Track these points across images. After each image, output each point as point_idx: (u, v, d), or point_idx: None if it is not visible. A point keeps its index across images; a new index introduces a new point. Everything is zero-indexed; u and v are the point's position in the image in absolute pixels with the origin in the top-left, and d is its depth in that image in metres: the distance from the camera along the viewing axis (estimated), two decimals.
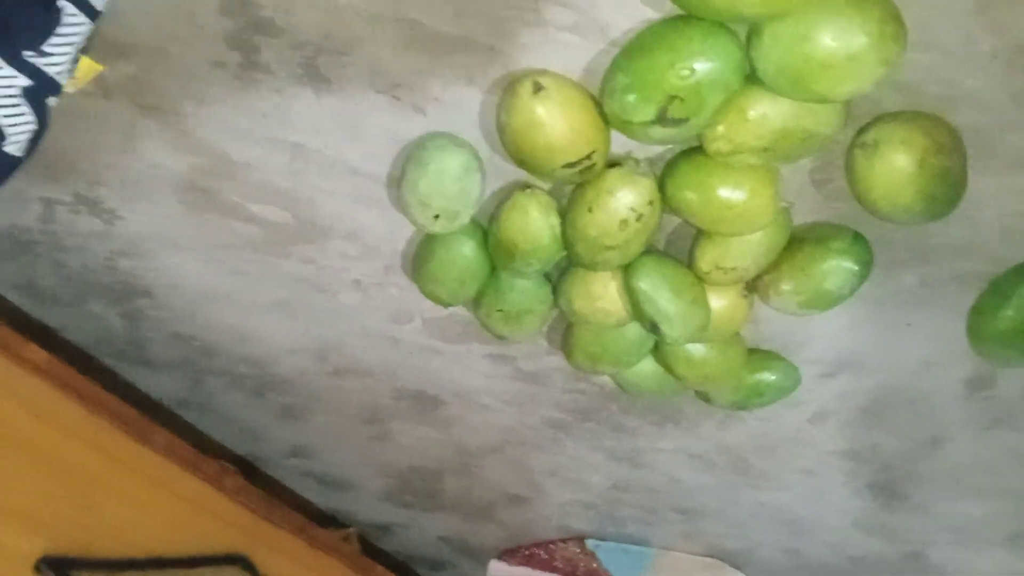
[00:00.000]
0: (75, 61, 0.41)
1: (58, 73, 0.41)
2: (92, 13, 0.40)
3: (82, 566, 0.74)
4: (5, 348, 0.69)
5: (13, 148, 0.40)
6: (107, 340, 0.80)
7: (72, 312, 0.77)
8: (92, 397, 0.75)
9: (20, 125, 0.40)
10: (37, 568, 0.70)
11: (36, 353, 0.71)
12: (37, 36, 0.38)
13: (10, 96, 0.39)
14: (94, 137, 0.57)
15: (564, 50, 0.51)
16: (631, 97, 0.48)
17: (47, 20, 0.38)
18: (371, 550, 1.14)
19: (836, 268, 0.57)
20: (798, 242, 0.58)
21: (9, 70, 0.38)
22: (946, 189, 0.49)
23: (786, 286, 0.59)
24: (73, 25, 0.40)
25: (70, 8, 0.39)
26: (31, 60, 0.39)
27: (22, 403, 0.70)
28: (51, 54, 0.40)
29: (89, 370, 0.77)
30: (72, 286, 0.73)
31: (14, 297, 0.76)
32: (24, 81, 0.39)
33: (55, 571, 0.71)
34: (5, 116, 0.40)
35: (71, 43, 0.40)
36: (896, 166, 0.49)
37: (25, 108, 0.40)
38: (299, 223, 0.63)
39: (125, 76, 0.53)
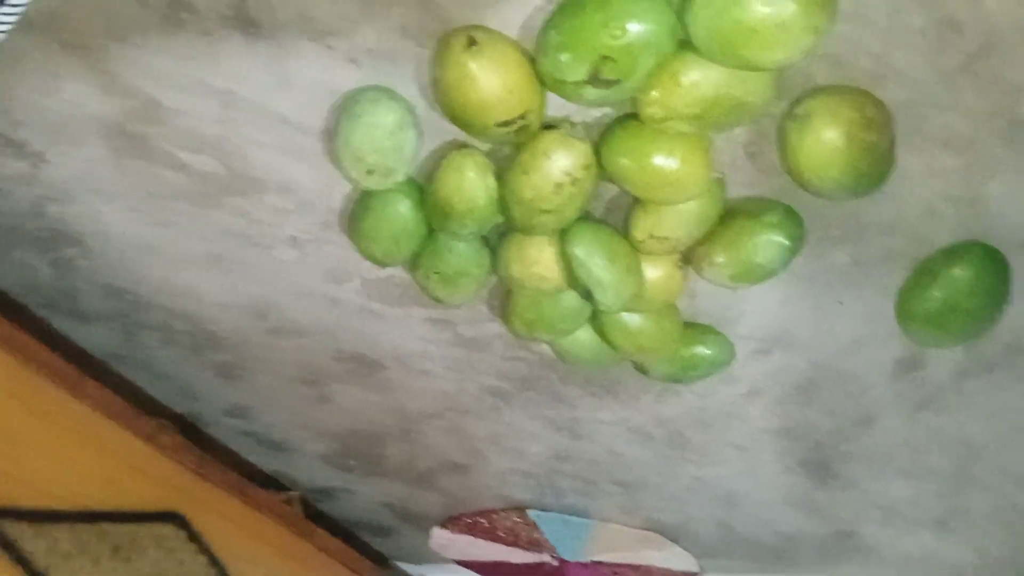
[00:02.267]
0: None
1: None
2: None
3: (8, 516, 0.73)
4: None
5: None
6: (36, 289, 0.78)
7: None
8: (18, 345, 0.74)
9: None
10: None
11: None
12: None
13: None
14: (14, 75, 0.55)
15: (503, 6, 0.50)
16: (564, 56, 0.48)
17: None
18: (313, 514, 1.14)
19: (767, 242, 0.57)
20: (731, 215, 0.58)
21: None
22: (874, 164, 0.49)
23: (719, 258, 0.59)
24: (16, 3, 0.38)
25: None
26: None
27: None
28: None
29: (18, 319, 0.75)
30: None
31: None
32: None
33: None
34: None
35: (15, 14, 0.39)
36: (825, 139, 0.49)
37: None
38: (230, 174, 0.62)
39: (45, 10, 0.51)
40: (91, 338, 0.85)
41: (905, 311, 0.61)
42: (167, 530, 0.89)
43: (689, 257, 0.62)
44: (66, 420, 0.78)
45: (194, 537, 0.91)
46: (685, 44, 0.47)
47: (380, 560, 1.25)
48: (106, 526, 0.82)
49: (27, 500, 0.74)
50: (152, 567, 0.86)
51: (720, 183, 0.57)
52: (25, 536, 0.74)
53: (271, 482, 1.10)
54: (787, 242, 0.57)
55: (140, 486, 0.86)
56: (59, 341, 0.84)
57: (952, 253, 0.57)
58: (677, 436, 0.86)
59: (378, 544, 1.25)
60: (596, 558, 1.15)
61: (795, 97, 0.50)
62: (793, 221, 0.57)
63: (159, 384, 0.92)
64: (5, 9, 0.36)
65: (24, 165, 0.63)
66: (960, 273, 0.57)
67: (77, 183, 0.65)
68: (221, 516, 0.94)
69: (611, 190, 0.61)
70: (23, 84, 0.56)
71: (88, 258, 0.73)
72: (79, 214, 0.68)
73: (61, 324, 0.83)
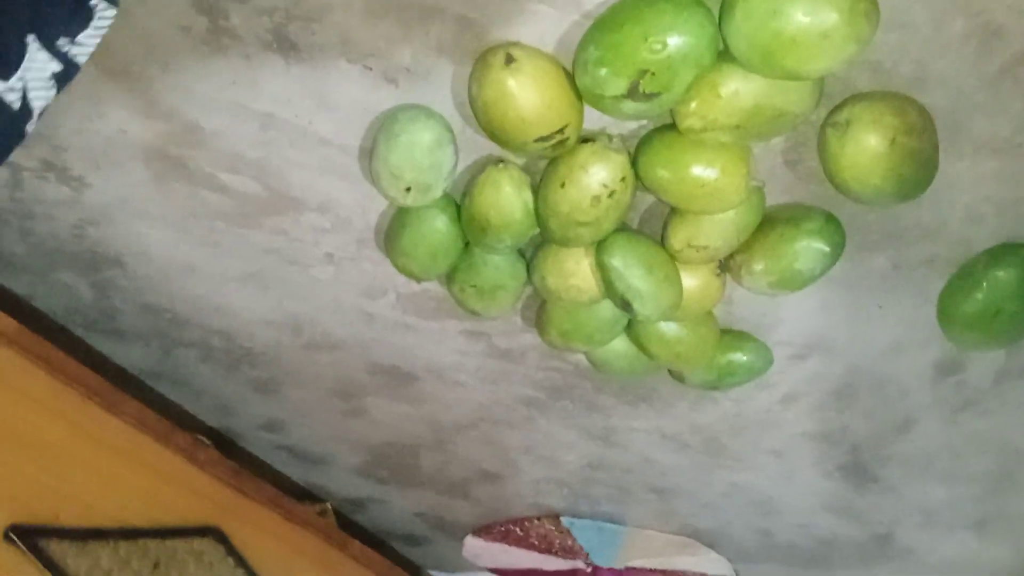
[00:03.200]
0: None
1: (84, 60, 0.42)
2: (116, 1, 0.41)
3: (52, 535, 0.74)
4: None
5: (31, 126, 0.41)
6: (77, 310, 0.79)
7: (41, 281, 0.76)
8: (62, 367, 0.75)
9: (43, 106, 0.42)
10: (6, 536, 0.70)
11: (5, 322, 0.71)
12: (72, 26, 0.40)
13: (43, 80, 0.41)
14: (59, 102, 0.56)
15: (538, 22, 0.50)
16: (603, 71, 0.48)
17: (81, 12, 0.39)
18: (347, 525, 1.15)
19: (807, 249, 0.57)
20: (770, 222, 0.58)
21: (45, 55, 0.40)
22: (916, 170, 0.49)
23: (758, 266, 0.59)
24: (103, 18, 0.41)
25: (102, 4, 0.40)
26: (64, 48, 0.40)
27: None
28: (82, 44, 0.41)
29: (59, 340, 0.76)
30: (41, 255, 0.72)
31: None
32: (56, 67, 0.40)
33: (23, 540, 0.71)
34: (36, 98, 0.41)
35: (100, 34, 0.41)
36: (867, 146, 0.48)
37: (53, 92, 0.41)
38: (270, 194, 0.62)
39: None
40: (130, 356, 0.86)
41: (946, 314, 0.61)
42: (205, 544, 0.90)
43: (727, 265, 0.62)
44: (106, 437, 0.79)
45: (232, 551, 0.91)
46: (724, 55, 0.47)
47: (413, 569, 1.25)
48: (146, 542, 0.83)
49: (69, 518, 0.75)
50: None
51: (759, 191, 0.57)
52: (68, 555, 0.75)
53: (305, 494, 1.11)
54: (827, 248, 0.57)
55: (179, 501, 0.87)
56: (99, 360, 0.85)
57: (995, 255, 0.57)
58: (713, 442, 0.85)
59: (411, 553, 1.25)
60: (630, 564, 1.15)
61: (835, 104, 0.50)
62: (833, 227, 0.57)
63: (196, 400, 0.93)
64: (94, 25, 0.38)
65: (66, 190, 0.64)
66: (1003, 275, 0.57)
67: (118, 206, 0.65)
68: (258, 529, 0.95)
69: (648, 199, 0.61)
70: (67, 111, 0.57)
71: (128, 278, 0.74)
72: (119, 236, 0.69)
73: (101, 343, 0.84)
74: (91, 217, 0.67)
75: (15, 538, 0.70)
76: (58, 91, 0.42)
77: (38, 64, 0.40)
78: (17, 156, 0.62)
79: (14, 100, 0.37)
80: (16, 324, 0.71)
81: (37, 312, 0.80)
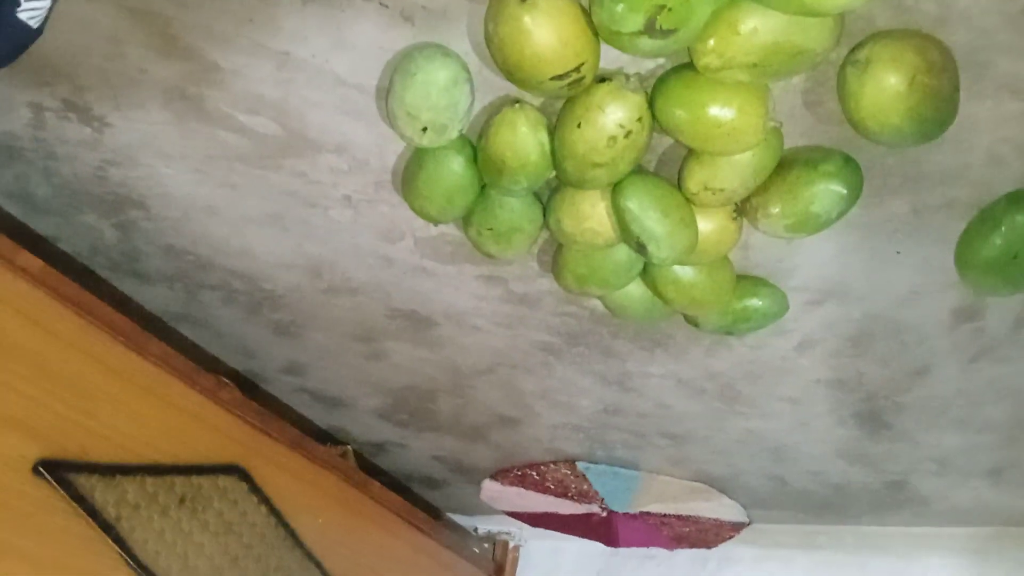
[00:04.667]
0: None
1: None
2: None
3: (79, 469, 0.76)
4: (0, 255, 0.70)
5: (29, 17, 0.39)
6: (101, 251, 0.81)
7: (66, 222, 0.77)
8: (88, 306, 0.76)
9: None
10: (35, 470, 0.72)
11: (30, 260, 0.72)
12: None
13: None
14: (79, 40, 0.57)
15: None
16: (620, 6, 0.47)
17: None
18: (367, 467, 1.17)
19: (824, 191, 0.57)
20: (787, 165, 0.58)
21: None
22: (936, 109, 0.49)
23: (774, 209, 0.59)
24: None
25: None
26: None
27: (16, 310, 0.71)
28: None
29: (84, 281, 0.77)
30: (64, 195, 0.73)
31: (7, 205, 0.76)
32: None
33: (52, 474, 0.73)
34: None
35: None
36: (886, 85, 0.48)
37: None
38: (288, 135, 0.63)
39: None
40: (154, 298, 0.87)
41: (964, 259, 0.61)
42: (229, 482, 0.93)
43: (743, 208, 0.62)
44: (132, 376, 0.81)
45: (255, 488, 0.94)
46: None
47: (432, 511, 1.28)
48: (172, 478, 0.86)
49: (97, 453, 0.78)
50: (216, 517, 0.90)
51: (777, 132, 0.56)
52: (96, 488, 0.78)
53: (326, 437, 1.13)
54: (844, 191, 0.57)
55: (203, 440, 0.89)
56: (123, 301, 0.87)
57: (1014, 199, 0.56)
58: (727, 389, 0.86)
59: (430, 496, 1.28)
60: (644, 509, 1.17)
61: (856, 42, 0.50)
62: (851, 170, 0.56)
63: (218, 342, 0.94)
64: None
65: (88, 130, 0.65)
66: (1022, 219, 0.56)
67: (139, 146, 0.66)
68: (280, 468, 0.97)
69: (664, 142, 0.60)
70: (88, 50, 0.57)
71: (151, 220, 0.75)
72: (141, 177, 0.70)
73: (125, 285, 0.85)
74: (113, 158, 0.68)
75: (44, 472, 0.73)
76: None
77: None
78: (38, 95, 0.63)
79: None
80: (42, 263, 0.73)
81: (62, 253, 0.81)
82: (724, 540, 1.19)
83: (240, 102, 0.60)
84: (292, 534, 0.96)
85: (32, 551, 0.72)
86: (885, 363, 0.76)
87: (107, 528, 0.77)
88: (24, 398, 0.72)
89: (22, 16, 0.37)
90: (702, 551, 1.22)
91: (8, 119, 0.65)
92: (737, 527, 1.16)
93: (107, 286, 0.85)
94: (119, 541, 0.77)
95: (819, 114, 0.55)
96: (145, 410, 0.83)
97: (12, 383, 0.71)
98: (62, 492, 0.74)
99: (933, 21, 0.48)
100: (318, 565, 0.99)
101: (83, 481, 0.76)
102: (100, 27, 0.56)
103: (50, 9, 0.38)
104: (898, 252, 0.64)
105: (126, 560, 0.78)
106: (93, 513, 0.76)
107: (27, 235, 0.78)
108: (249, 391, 0.98)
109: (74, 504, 0.75)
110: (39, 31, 0.39)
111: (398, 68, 0.55)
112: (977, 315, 0.69)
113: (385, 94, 0.58)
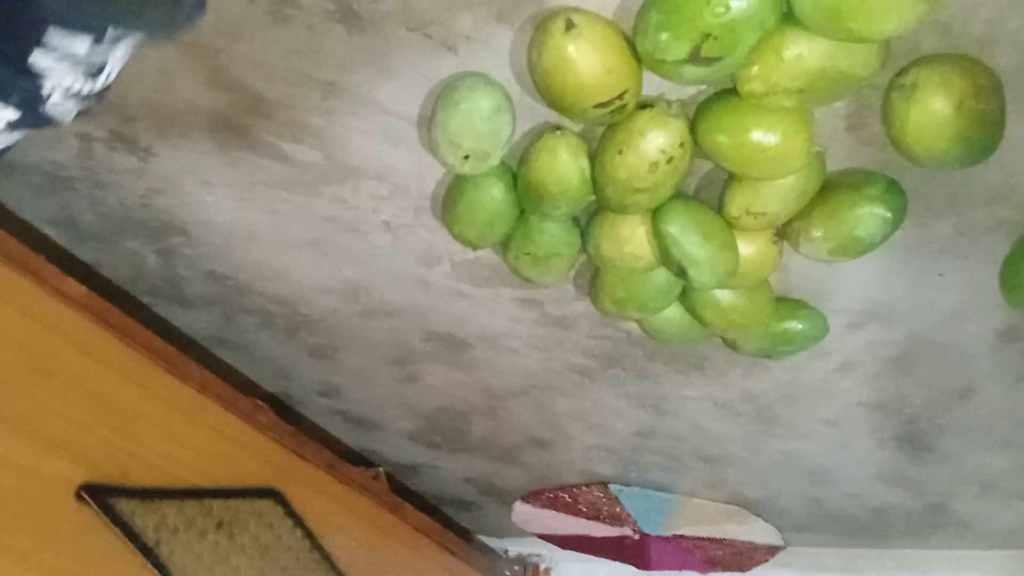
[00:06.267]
0: None
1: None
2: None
3: (121, 494, 0.77)
4: (45, 282, 0.71)
5: (58, 113, 0.37)
6: (143, 277, 0.82)
7: (109, 249, 0.78)
8: (130, 332, 0.77)
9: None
10: (79, 495, 0.73)
11: (75, 288, 0.73)
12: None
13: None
14: (129, 73, 0.58)
15: None
16: (664, 35, 0.48)
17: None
18: (399, 489, 1.17)
19: (868, 215, 0.56)
20: (830, 188, 0.57)
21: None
22: (984, 133, 0.48)
23: (816, 232, 0.59)
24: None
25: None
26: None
27: (62, 336, 0.73)
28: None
29: (126, 306, 0.79)
30: (109, 223, 0.74)
31: (53, 233, 0.77)
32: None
33: (95, 498, 0.74)
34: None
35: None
36: (933, 109, 0.48)
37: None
38: (330, 162, 0.64)
39: None
40: (193, 323, 0.88)
41: (1010, 279, 0.60)
42: (266, 505, 0.93)
43: (784, 232, 0.62)
44: (172, 400, 0.82)
45: (291, 512, 0.94)
46: (788, 17, 0.47)
47: (464, 533, 1.28)
48: (210, 502, 0.86)
49: (138, 477, 0.78)
50: (252, 541, 0.90)
51: (820, 156, 0.56)
52: (136, 512, 0.78)
53: (359, 459, 1.13)
54: (888, 214, 0.56)
55: (240, 463, 0.90)
56: (163, 326, 0.88)
57: None
58: (765, 411, 0.85)
59: (462, 518, 1.28)
60: (678, 532, 1.16)
61: (901, 66, 0.50)
62: (895, 193, 0.56)
63: (255, 366, 0.95)
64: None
65: (134, 159, 0.66)
66: None
67: (184, 175, 0.67)
68: (315, 491, 0.98)
69: (705, 166, 0.60)
70: (137, 82, 0.58)
71: (192, 246, 0.76)
72: (185, 204, 0.71)
73: (165, 310, 0.87)
74: (157, 186, 0.69)
75: (87, 497, 0.73)
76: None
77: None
78: (88, 126, 0.64)
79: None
80: (86, 290, 0.74)
81: (105, 279, 0.83)
82: (759, 564, 1.18)
83: (284, 131, 0.61)
84: (326, 557, 0.97)
85: (73, 573, 0.72)
86: (928, 385, 0.76)
87: (147, 552, 0.78)
88: (69, 423, 0.73)
89: (48, 111, 0.36)
90: (736, 575, 1.21)
91: (57, 149, 0.66)
92: (772, 550, 1.15)
93: (148, 312, 0.86)
94: (159, 566, 0.78)
95: (862, 137, 0.55)
96: (184, 434, 0.84)
97: (58, 408, 0.72)
98: (103, 516, 0.74)
99: (979, 44, 0.48)
100: None
101: (123, 505, 0.77)
102: (150, 59, 0.57)
103: (86, 99, 0.37)
104: (941, 274, 0.64)
105: None
106: (133, 537, 0.77)
107: (72, 262, 0.80)
108: (284, 414, 0.98)
109: (115, 528, 0.75)
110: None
111: (441, 97, 0.56)
112: (1022, 335, 0.68)
113: (427, 122, 0.59)
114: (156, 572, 0.78)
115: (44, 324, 0.72)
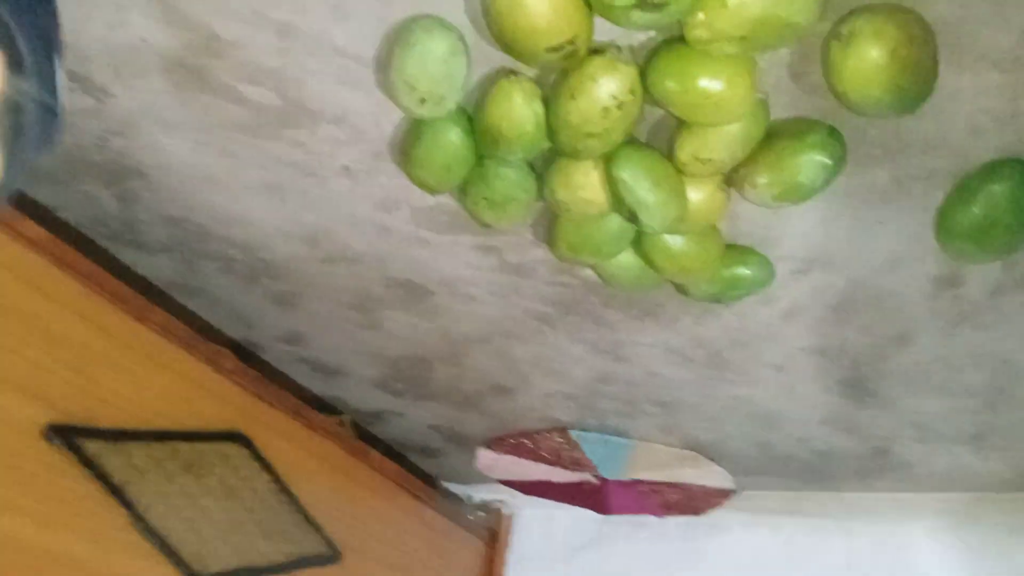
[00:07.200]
0: None
1: None
2: None
3: (88, 434, 0.78)
4: (3, 224, 0.71)
5: None
6: (102, 221, 0.82)
7: (67, 191, 0.78)
8: (90, 275, 0.78)
9: None
10: (46, 436, 0.74)
11: (34, 230, 0.73)
12: None
13: None
14: (82, 10, 0.58)
15: None
16: None
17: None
18: (365, 436, 1.19)
19: (810, 162, 0.59)
20: (775, 136, 0.59)
21: None
22: (916, 81, 0.50)
23: (762, 179, 0.61)
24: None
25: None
26: None
27: (22, 278, 0.73)
28: None
29: (86, 250, 0.79)
30: (66, 165, 0.74)
31: None
32: None
33: (62, 438, 0.75)
34: None
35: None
36: (868, 57, 0.50)
37: None
38: (287, 105, 0.64)
39: None
40: (153, 268, 0.89)
41: (944, 227, 0.63)
42: (232, 449, 0.95)
43: (732, 179, 0.64)
44: (134, 343, 0.83)
45: (257, 455, 0.96)
46: None
47: (429, 480, 1.31)
48: (176, 444, 0.88)
49: (104, 419, 0.80)
50: (219, 482, 0.92)
51: (764, 104, 0.58)
52: (104, 453, 0.80)
53: (324, 406, 1.15)
54: (829, 161, 0.58)
55: (205, 407, 0.91)
56: (124, 270, 0.89)
57: (992, 169, 0.58)
58: (716, 357, 0.88)
59: (426, 465, 1.30)
60: (635, 476, 1.20)
61: (840, 16, 0.51)
62: (835, 140, 0.58)
63: (217, 312, 0.96)
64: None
65: (90, 100, 0.66)
66: (999, 189, 0.58)
67: (140, 116, 0.67)
68: (280, 436, 1.00)
69: (656, 114, 0.62)
70: (91, 20, 0.58)
71: (150, 189, 0.76)
72: (142, 147, 0.71)
73: (125, 255, 0.87)
74: (114, 127, 0.69)
75: (55, 437, 0.74)
76: None
77: None
78: None
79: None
80: (45, 232, 0.74)
81: (64, 222, 0.83)
82: (713, 507, 1.22)
83: (240, 72, 0.62)
84: (293, 500, 0.99)
85: (43, 513, 0.74)
86: (868, 331, 0.79)
87: (116, 492, 0.79)
88: (31, 364, 0.73)
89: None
90: (692, 518, 1.25)
91: None
92: (725, 494, 1.19)
93: (108, 256, 0.87)
94: (127, 504, 0.80)
95: (804, 86, 0.57)
96: (148, 377, 0.85)
97: (19, 349, 0.72)
98: (72, 456, 0.76)
99: None
100: (318, 529, 1.01)
101: (91, 446, 0.78)
102: None
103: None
104: (880, 221, 0.66)
105: (134, 523, 0.80)
106: (102, 477, 0.78)
107: (31, 204, 0.80)
108: (248, 360, 1.00)
109: (84, 468, 0.77)
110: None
111: (397, 39, 0.56)
112: (957, 282, 0.71)
113: (383, 65, 0.59)
114: (125, 511, 0.80)
115: (3, 266, 0.72)
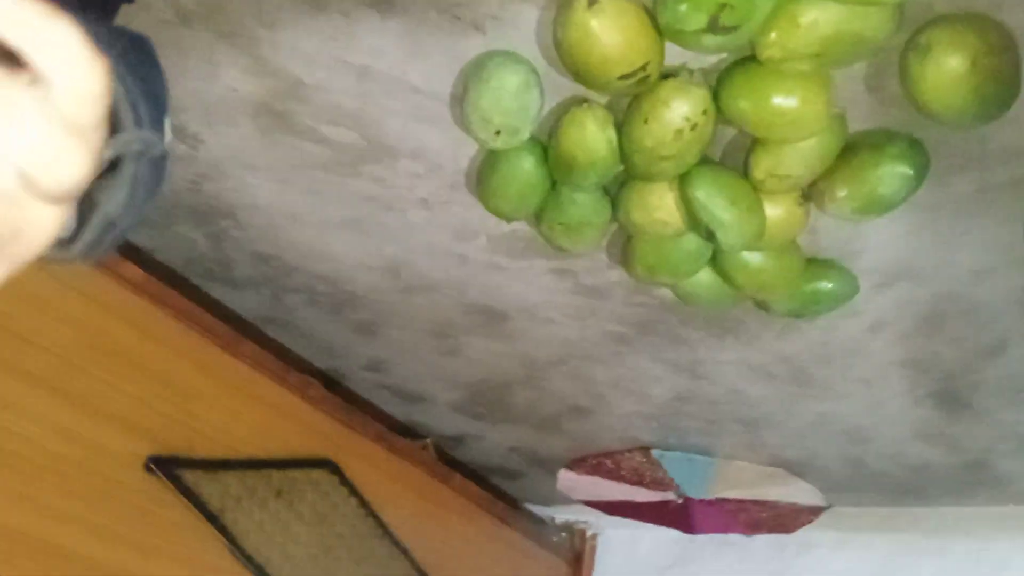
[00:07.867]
0: None
1: None
2: None
3: (186, 465, 0.82)
4: (105, 267, 0.75)
5: None
6: (195, 260, 0.86)
7: (162, 234, 0.82)
8: (185, 312, 0.82)
9: None
10: (147, 467, 0.78)
11: (133, 271, 0.78)
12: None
13: None
14: (176, 64, 0.61)
15: None
16: (683, 6, 0.49)
17: None
18: (447, 460, 1.21)
19: (891, 173, 0.58)
20: (853, 148, 0.59)
21: None
22: (999, 89, 0.49)
23: (841, 192, 0.60)
24: None
25: None
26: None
27: (122, 318, 0.77)
28: None
29: (181, 289, 0.83)
30: (161, 209, 0.79)
31: None
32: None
33: (163, 470, 0.79)
34: None
35: None
36: (948, 68, 0.49)
37: None
38: (367, 143, 0.67)
39: (202, 4, 0.56)
40: (243, 303, 0.92)
41: None
42: (321, 475, 0.97)
43: (810, 193, 0.63)
44: (227, 376, 0.87)
45: (345, 481, 0.99)
46: None
47: (512, 502, 1.31)
48: (269, 472, 0.91)
49: (201, 450, 0.83)
50: (310, 508, 0.95)
51: (841, 118, 0.57)
52: (201, 482, 0.83)
53: (407, 431, 1.17)
54: (911, 172, 0.58)
55: (295, 435, 0.94)
56: (215, 307, 0.92)
57: None
58: (800, 372, 0.87)
59: (508, 487, 1.31)
60: (720, 495, 1.18)
61: (916, 27, 0.51)
62: (917, 151, 0.57)
63: (303, 343, 0.99)
64: None
65: (184, 147, 0.70)
66: None
67: (229, 160, 0.71)
68: (366, 462, 1.02)
69: (729, 132, 0.62)
70: (185, 73, 0.62)
71: (240, 229, 0.80)
72: (231, 188, 0.74)
73: (216, 291, 0.91)
74: (205, 172, 0.73)
75: (155, 468, 0.78)
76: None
77: None
78: None
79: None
80: (143, 273, 0.78)
81: (160, 263, 0.87)
82: (803, 525, 1.20)
83: (322, 114, 0.64)
84: (381, 524, 1.01)
85: (146, 544, 0.77)
86: (959, 342, 0.76)
87: (212, 519, 0.83)
88: (132, 399, 0.77)
89: None
90: (780, 536, 1.23)
91: None
92: (815, 511, 1.16)
93: (201, 293, 0.91)
94: (224, 531, 0.83)
95: (882, 97, 0.56)
96: (240, 408, 0.88)
97: (121, 386, 0.76)
98: (171, 487, 0.79)
99: (991, 3, 0.49)
100: (405, 553, 1.03)
101: (189, 476, 0.82)
102: (194, 50, 0.60)
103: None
104: (965, 232, 0.64)
105: (231, 550, 0.83)
106: (200, 506, 0.82)
107: (129, 248, 0.84)
108: (333, 388, 1.02)
109: (183, 497, 0.80)
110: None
111: (471, 75, 0.58)
112: None
113: (458, 100, 0.61)
114: (222, 538, 0.83)
115: (104, 307, 0.76)
